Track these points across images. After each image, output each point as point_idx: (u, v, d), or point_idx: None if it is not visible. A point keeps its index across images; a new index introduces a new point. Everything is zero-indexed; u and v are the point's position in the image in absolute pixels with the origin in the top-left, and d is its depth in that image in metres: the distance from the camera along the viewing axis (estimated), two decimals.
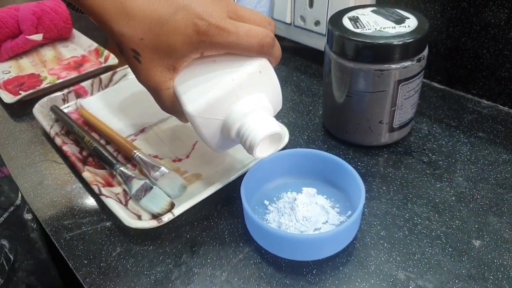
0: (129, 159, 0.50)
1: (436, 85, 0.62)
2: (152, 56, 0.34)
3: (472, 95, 0.59)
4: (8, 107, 0.63)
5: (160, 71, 0.35)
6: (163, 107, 0.38)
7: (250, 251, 0.39)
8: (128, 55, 0.34)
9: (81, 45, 0.79)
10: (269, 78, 0.37)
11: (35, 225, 0.45)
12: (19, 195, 0.44)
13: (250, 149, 0.36)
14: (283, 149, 0.48)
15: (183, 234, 0.41)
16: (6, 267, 0.40)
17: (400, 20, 0.46)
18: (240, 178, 0.42)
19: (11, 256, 0.41)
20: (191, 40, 0.33)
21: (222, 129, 0.37)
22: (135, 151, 0.49)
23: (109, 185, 0.47)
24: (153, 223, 0.40)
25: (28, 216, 0.43)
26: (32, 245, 0.44)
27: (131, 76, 0.65)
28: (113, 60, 0.70)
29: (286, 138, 0.50)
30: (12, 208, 0.42)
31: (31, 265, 0.44)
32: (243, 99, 0.36)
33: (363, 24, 0.46)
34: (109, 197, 0.43)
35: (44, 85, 0.67)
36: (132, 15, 0.32)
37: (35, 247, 0.44)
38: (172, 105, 0.37)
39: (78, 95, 0.62)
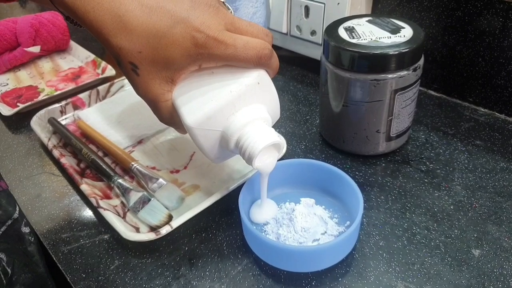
0: (127, 171, 0.50)
1: (433, 93, 0.62)
2: (150, 69, 0.34)
3: (468, 103, 0.59)
4: (5, 119, 0.63)
5: (158, 83, 0.35)
6: (161, 119, 0.38)
7: (248, 263, 0.39)
8: (126, 68, 0.34)
9: (78, 57, 0.79)
10: (268, 89, 0.37)
11: (32, 239, 0.44)
12: (17, 208, 0.43)
13: (249, 160, 0.36)
14: (281, 159, 0.48)
15: (182, 247, 0.41)
16: (4, 281, 0.39)
17: (395, 30, 0.46)
18: (238, 189, 0.42)
19: (8, 270, 0.40)
20: (189, 53, 0.33)
21: (221, 141, 0.37)
22: (132, 163, 0.49)
23: (107, 197, 0.47)
24: (151, 236, 0.40)
25: (25, 230, 0.43)
26: (29, 258, 0.44)
27: (128, 87, 0.66)
28: (110, 71, 0.70)
29: (284, 148, 0.50)
30: (9, 222, 0.42)
31: (29, 278, 0.43)
32: (242, 110, 0.36)
33: (358, 34, 0.46)
34: (107, 209, 0.43)
35: (42, 97, 0.67)
36: (130, 28, 0.32)
37: (32, 260, 0.44)
38: (170, 117, 0.37)
39: (76, 107, 0.62)
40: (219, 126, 0.36)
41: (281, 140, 0.38)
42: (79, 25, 0.36)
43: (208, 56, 0.33)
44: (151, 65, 0.33)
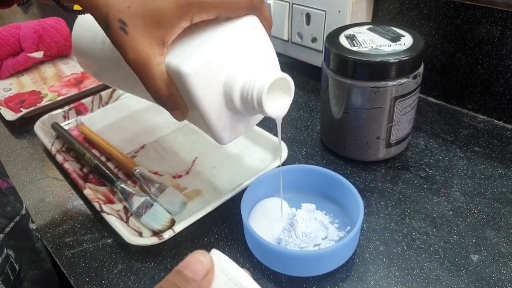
0: (130, 175, 0.50)
1: (432, 100, 0.63)
2: (140, 25, 0.32)
3: (467, 110, 0.60)
4: (9, 124, 0.63)
5: (149, 42, 0.33)
6: (155, 91, 0.34)
7: (250, 267, 0.39)
8: (115, 27, 0.32)
9: None
10: (263, 37, 0.35)
11: (39, 235, 0.45)
12: (24, 205, 0.44)
13: (259, 103, 0.32)
14: (282, 165, 0.48)
15: (184, 251, 0.41)
16: (12, 277, 0.39)
17: (395, 38, 0.47)
18: (240, 194, 0.42)
19: (16, 266, 0.40)
20: (179, 3, 0.32)
21: (225, 97, 0.33)
22: (135, 168, 0.49)
23: (110, 202, 0.47)
24: (154, 240, 0.40)
25: (33, 226, 0.43)
26: (37, 255, 0.44)
27: None
28: None
29: (285, 153, 0.50)
30: (17, 218, 0.42)
31: (36, 275, 0.43)
32: (241, 56, 0.33)
33: (359, 42, 0.46)
34: (110, 214, 0.43)
35: (44, 102, 0.67)
36: None
37: (40, 257, 0.44)
38: (166, 87, 0.33)
39: (79, 112, 0.63)
40: (220, 74, 0.33)
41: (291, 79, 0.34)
42: (67, 9, 0.36)
43: (199, 4, 0.32)
44: (140, 21, 0.32)
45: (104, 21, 0.32)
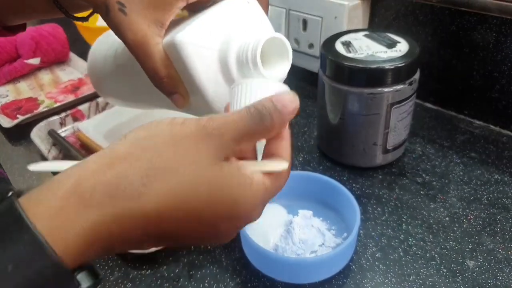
0: None
1: (429, 105, 0.63)
2: (138, 6, 0.33)
3: (464, 116, 0.60)
4: (6, 131, 0.63)
5: (147, 24, 0.33)
6: (154, 71, 0.34)
7: (247, 275, 0.39)
8: (114, 9, 0.33)
9: (78, 68, 0.80)
10: (257, 9, 0.35)
11: None
12: None
13: (253, 62, 0.31)
14: None
15: (181, 258, 0.41)
16: None
17: (391, 45, 0.47)
18: None
19: None
20: None
21: (221, 66, 0.33)
22: None
23: None
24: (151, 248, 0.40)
25: None
26: None
27: None
28: None
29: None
30: None
31: None
32: (236, 25, 0.33)
33: (355, 49, 0.47)
34: None
35: (41, 108, 0.67)
36: None
37: None
38: (164, 67, 0.34)
39: (76, 119, 0.63)
40: (214, 42, 0.32)
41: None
42: (72, 16, 0.37)
43: None
44: (139, 2, 0.33)
45: (104, 5, 0.33)
